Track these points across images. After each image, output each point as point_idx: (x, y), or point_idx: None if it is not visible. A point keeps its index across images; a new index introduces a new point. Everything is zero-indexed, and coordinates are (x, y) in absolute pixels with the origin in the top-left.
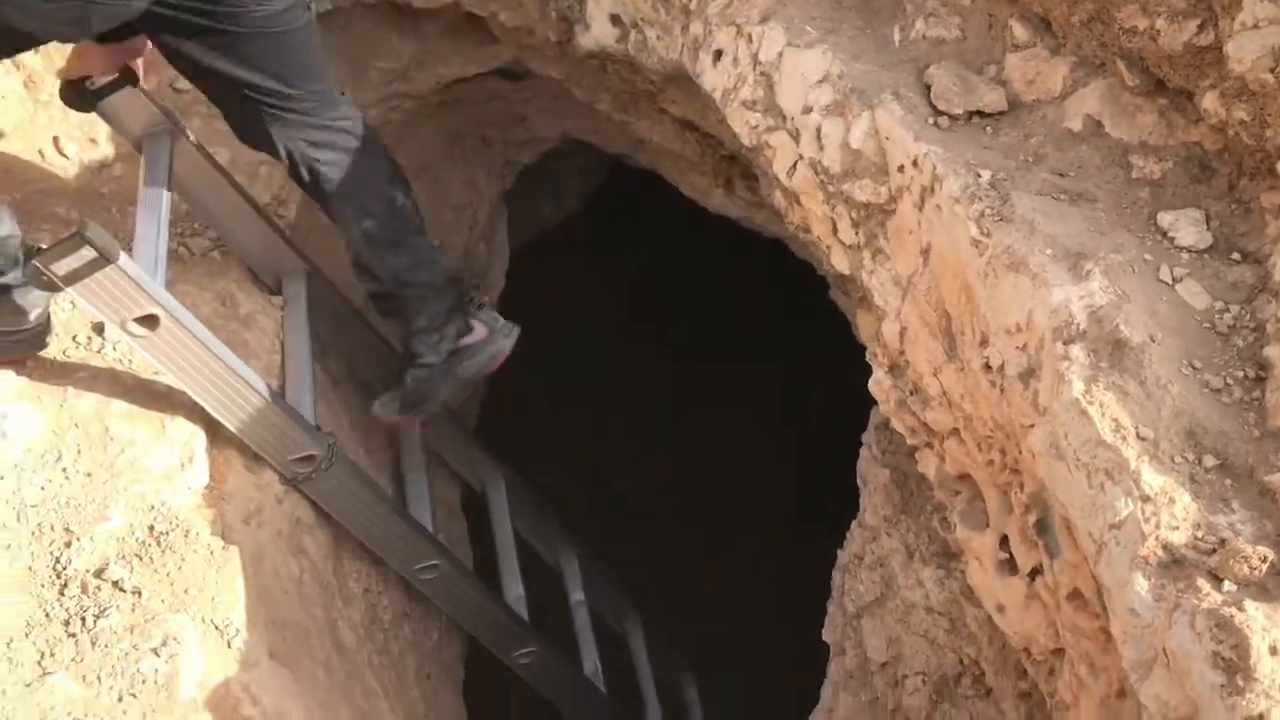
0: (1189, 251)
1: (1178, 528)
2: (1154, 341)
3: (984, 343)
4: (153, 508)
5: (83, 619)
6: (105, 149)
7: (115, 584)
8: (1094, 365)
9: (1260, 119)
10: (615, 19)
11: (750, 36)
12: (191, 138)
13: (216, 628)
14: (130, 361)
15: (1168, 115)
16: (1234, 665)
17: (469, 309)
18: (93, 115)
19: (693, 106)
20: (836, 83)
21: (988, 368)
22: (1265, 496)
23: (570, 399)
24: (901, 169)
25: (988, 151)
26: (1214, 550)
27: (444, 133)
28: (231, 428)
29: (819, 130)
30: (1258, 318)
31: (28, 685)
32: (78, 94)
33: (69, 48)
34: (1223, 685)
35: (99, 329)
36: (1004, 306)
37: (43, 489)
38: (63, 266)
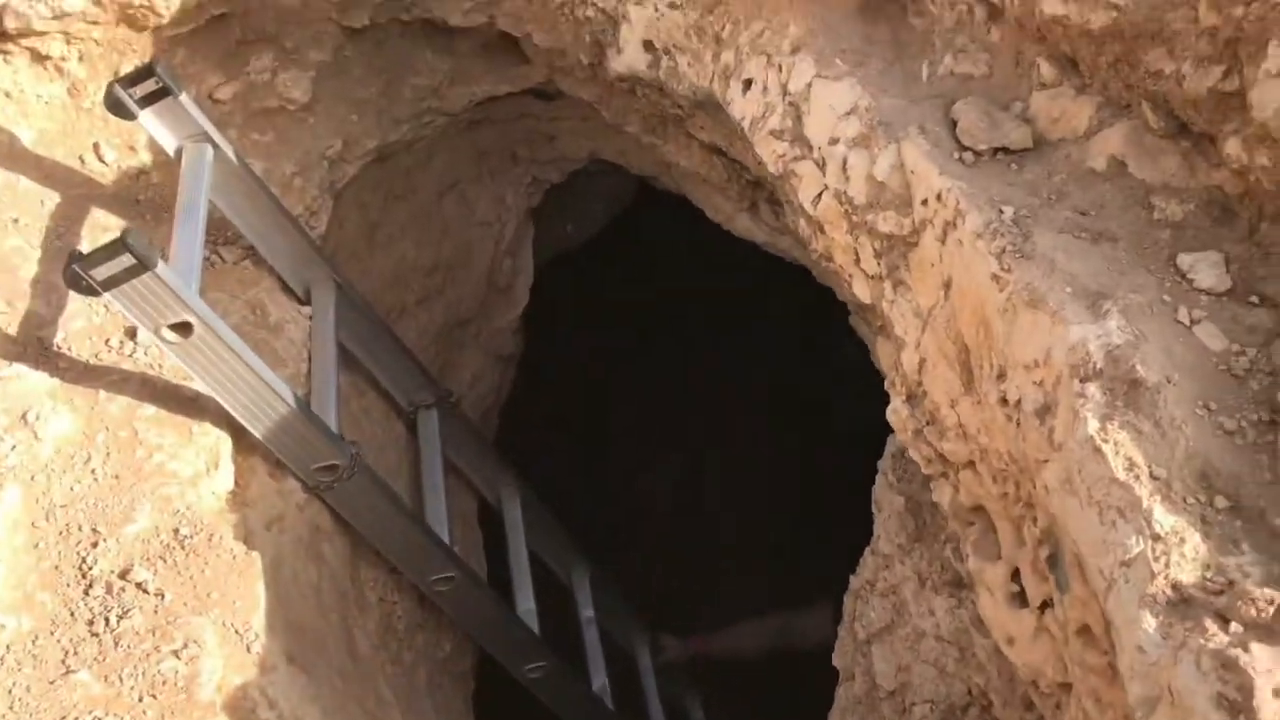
0: (1208, 294)
1: (1187, 568)
2: (1170, 382)
3: (1001, 377)
4: (178, 511)
5: (106, 619)
6: (144, 156)
7: (139, 585)
8: (1110, 404)
9: None
10: (648, 44)
11: (780, 67)
12: (229, 148)
13: (236, 631)
14: (160, 366)
15: (1190, 158)
16: (1238, 706)
17: None
18: (133, 123)
19: (720, 132)
20: (864, 115)
21: (1004, 402)
22: (1276, 539)
23: (590, 412)
24: (925, 202)
25: (1011, 188)
26: (1222, 591)
27: (473, 149)
28: (257, 434)
29: (845, 161)
30: (1274, 362)
31: (51, 683)
32: (121, 101)
33: (110, 55)
34: None
35: (131, 333)
36: (1022, 342)
37: (71, 489)
38: (102, 272)
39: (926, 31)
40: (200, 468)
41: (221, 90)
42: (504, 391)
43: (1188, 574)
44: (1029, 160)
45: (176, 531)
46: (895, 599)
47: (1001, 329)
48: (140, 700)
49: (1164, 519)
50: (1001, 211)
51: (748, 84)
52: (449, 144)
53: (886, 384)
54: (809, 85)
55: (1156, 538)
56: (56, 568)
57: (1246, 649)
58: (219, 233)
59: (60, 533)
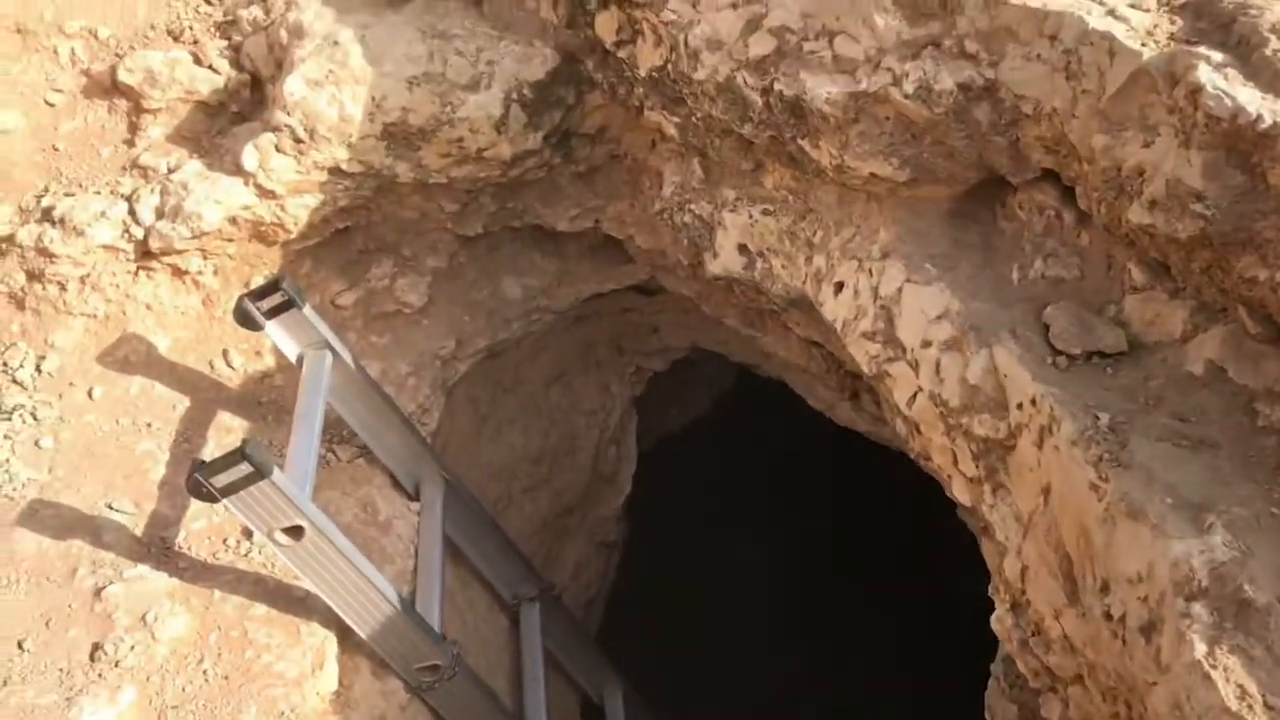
0: None
1: None
2: None
3: (1105, 590)
4: (283, 713)
5: None
6: (268, 360)
7: None
8: (1217, 625)
9: None
10: (742, 248)
11: (870, 271)
12: (346, 354)
13: None
14: (273, 565)
15: None
16: None
17: None
18: (260, 332)
19: (816, 329)
20: (955, 319)
21: (1109, 616)
22: None
23: (694, 598)
24: (1020, 406)
25: (1107, 393)
26: None
27: (579, 342)
28: (363, 635)
29: (938, 364)
30: None
31: None
32: (249, 314)
33: (242, 268)
34: None
35: (248, 533)
36: (1123, 555)
37: (184, 690)
38: (221, 480)
39: (1015, 236)
40: (306, 668)
41: (343, 297)
42: (608, 579)
43: None
44: (1124, 364)
45: None
46: None
47: (1101, 540)
48: None
49: None
50: (1098, 418)
51: (839, 287)
52: (557, 338)
53: (990, 589)
54: (899, 289)
55: None
56: None
57: None
58: (334, 431)
59: None
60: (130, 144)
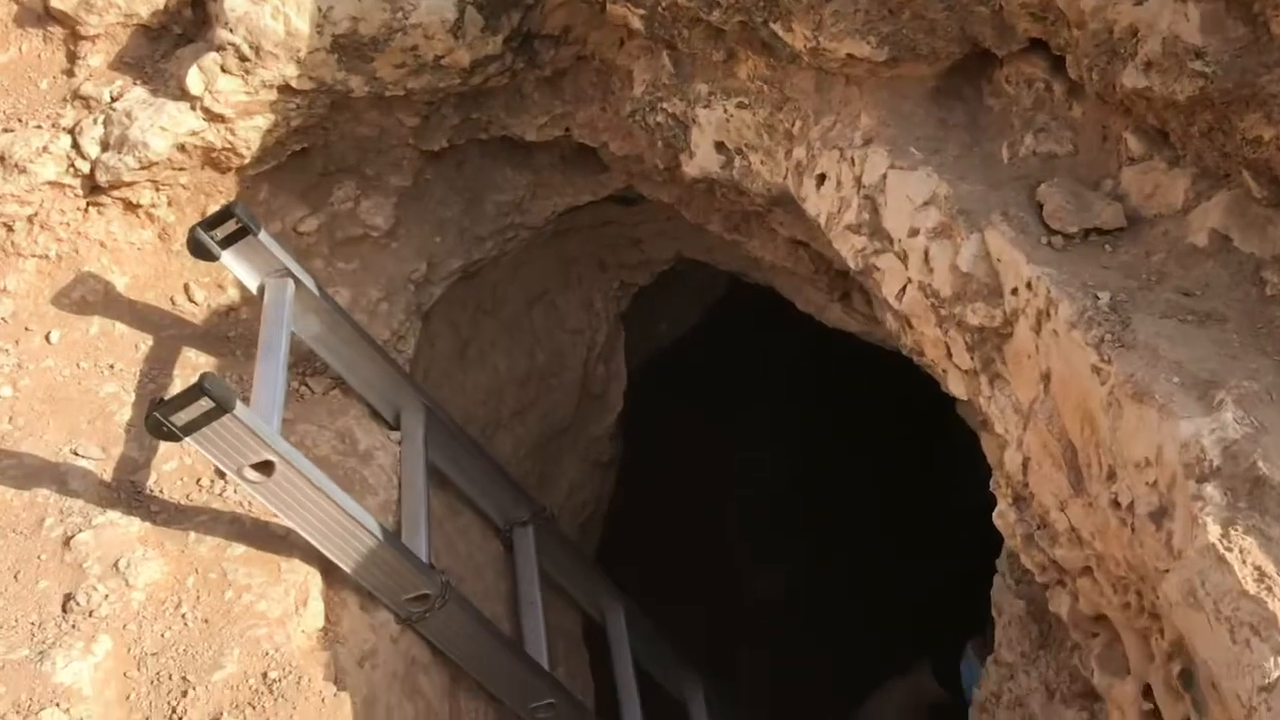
0: None
1: None
2: None
3: (1111, 477)
4: (267, 654)
5: None
6: (232, 294)
7: None
8: (1231, 506)
9: None
10: (720, 146)
11: (853, 160)
12: (311, 282)
13: None
14: (250, 505)
15: None
16: None
17: None
18: (218, 263)
19: (801, 226)
20: (943, 204)
21: (1116, 504)
22: None
23: (695, 510)
24: (1015, 291)
25: (1106, 271)
26: None
27: (560, 259)
28: (346, 569)
29: (927, 253)
30: None
31: None
32: (203, 244)
33: (197, 198)
34: None
35: (220, 473)
36: (1130, 439)
37: (162, 636)
38: (182, 417)
39: (1004, 112)
40: (289, 606)
41: (305, 223)
42: (605, 500)
43: None
44: (1124, 240)
45: (265, 675)
46: (1023, 712)
47: (1107, 425)
48: None
49: None
50: (1097, 297)
51: (821, 179)
52: (535, 256)
53: (992, 484)
54: (884, 177)
55: None
56: (147, 719)
57: None
58: (307, 364)
59: (151, 682)
60: (69, 74)
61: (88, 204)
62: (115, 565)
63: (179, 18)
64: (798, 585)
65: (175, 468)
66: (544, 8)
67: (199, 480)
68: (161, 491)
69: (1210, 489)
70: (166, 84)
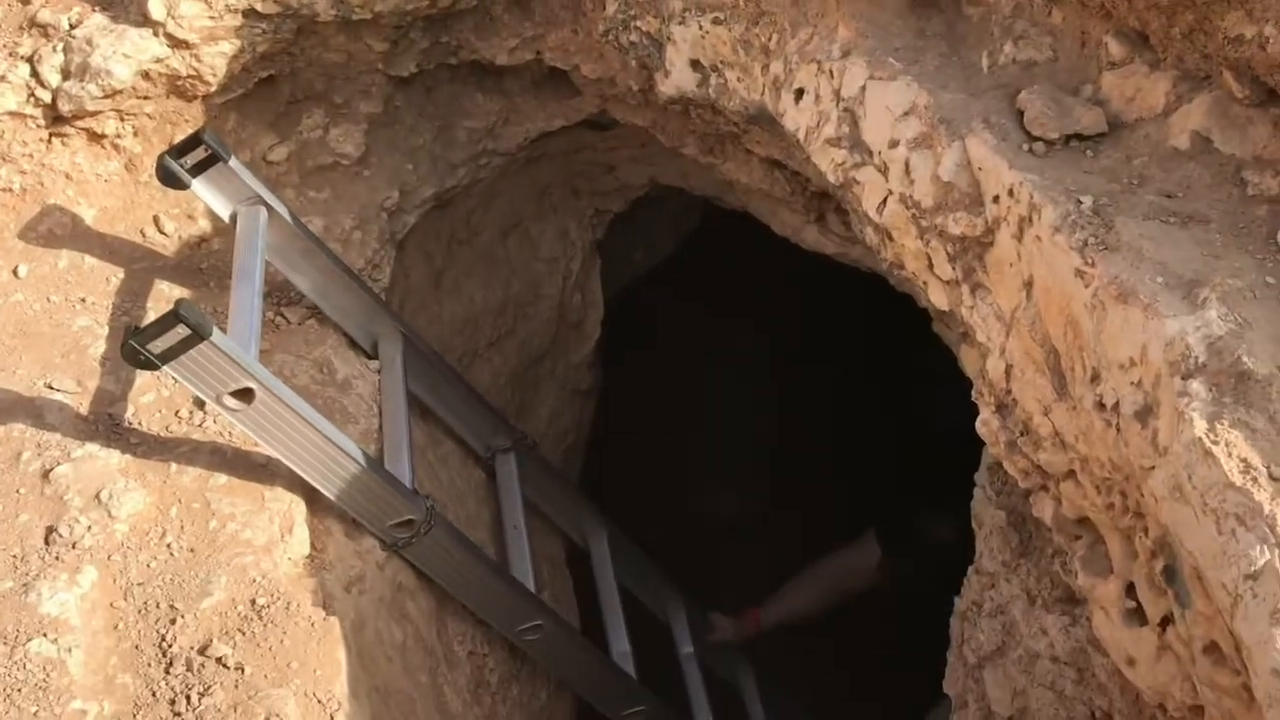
0: None
1: None
2: None
3: (1095, 379)
4: (254, 581)
5: (188, 697)
6: (203, 224)
7: (219, 660)
8: (1217, 400)
9: None
10: (695, 64)
11: (831, 72)
12: (283, 209)
13: (319, 701)
14: (231, 434)
15: None
16: None
17: None
18: (189, 193)
19: (778, 146)
20: (923, 114)
21: (1101, 406)
22: None
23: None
24: (997, 199)
25: (1088, 176)
26: None
27: (533, 186)
28: (330, 496)
29: (907, 164)
30: None
31: None
32: (172, 172)
33: (163, 127)
34: None
35: (200, 403)
36: (1114, 340)
37: (148, 566)
38: (158, 345)
39: (983, 20)
40: (275, 534)
41: (275, 151)
42: (585, 428)
43: None
44: (1105, 145)
45: (253, 602)
46: (1004, 619)
47: (1091, 328)
48: None
49: None
50: (1080, 202)
51: (799, 94)
52: (508, 184)
53: (974, 394)
54: (863, 88)
55: None
56: (136, 647)
57: None
58: (282, 294)
59: (139, 611)
60: (25, 1)
61: (50, 135)
62: (97, 497)
63: None
64: (766, 510)
65: (153, 400)
66: None
67: (178, 412)
68: (140, 424)
69: (1196, 385)
70: (127, 10)
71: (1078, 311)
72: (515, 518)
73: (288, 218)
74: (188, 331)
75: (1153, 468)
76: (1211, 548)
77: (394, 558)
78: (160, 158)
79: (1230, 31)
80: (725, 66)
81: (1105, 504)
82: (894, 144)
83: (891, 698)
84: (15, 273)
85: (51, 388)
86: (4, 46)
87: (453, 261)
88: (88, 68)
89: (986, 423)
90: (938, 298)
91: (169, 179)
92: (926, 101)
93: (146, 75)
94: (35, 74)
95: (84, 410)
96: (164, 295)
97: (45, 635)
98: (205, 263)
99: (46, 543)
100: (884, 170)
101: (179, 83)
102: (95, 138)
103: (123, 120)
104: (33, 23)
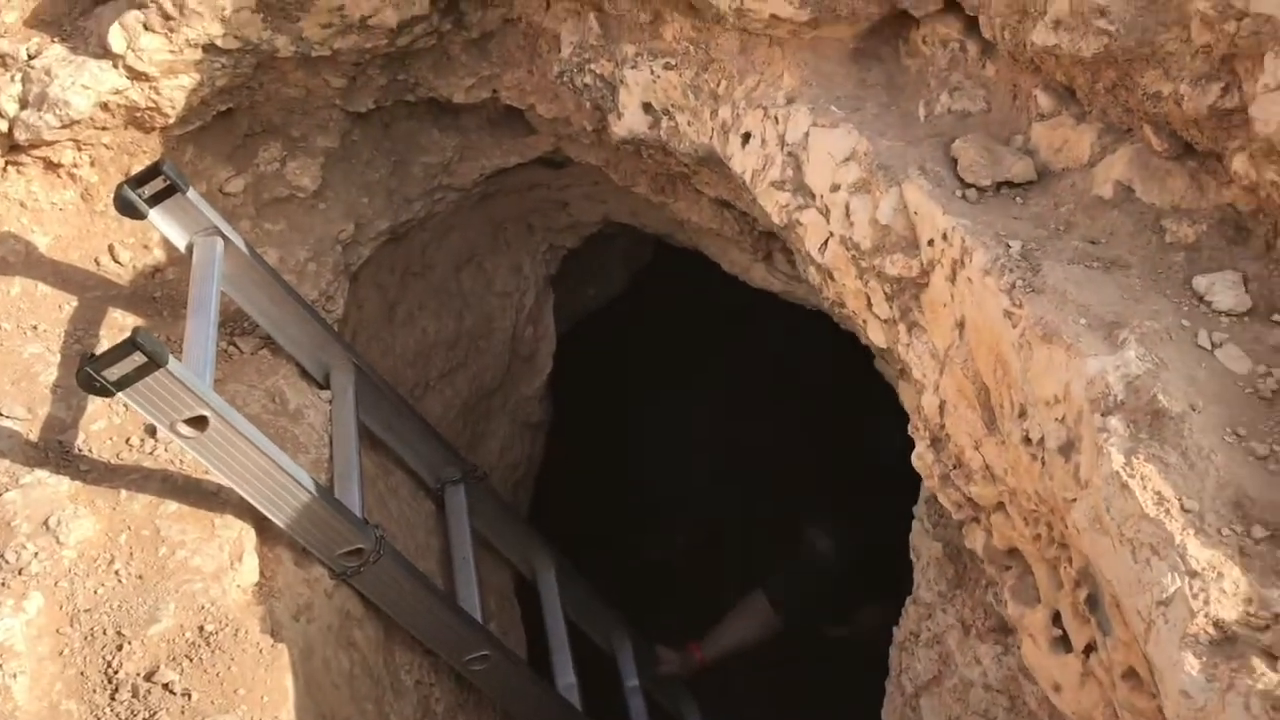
0: (1228, 315)
1: (1228, 604)
2: (1194, 410)
3: (1023, 415)
4: (203, 607)
5: None
6: (158, 254)
7: (165, 686)
8: (1134, 436)
9: None
10: (647, 106)
11: (776, 118)
12: (239, 240)
13: None
14: (182, 462)
15: (1199, 178)
16: None
17: None
18: (146, 222)
19: (726, 187)
20: (863, 160)
21: (1028, 440)
22: None
23: (621, 469)
24: (931, 242)
25: (1017, 222)
26: (1268, 626)
27: (488, 222)
28: (280, 524)
29: (848, 207)
30: None
31: None
32: (130, 201)
33: (120, 158)
34: None
35: (151, 431)
36: (1040, 378)
37: (95, 593)
38: (114, 372)
39: (921, 72)
40: (224, 561)
41: (231, 183)
42: (535, 461)
43: (1229, 610)
44: (1034, 193)
45: (201, 629)
46: (940, 649)
47: (1018, 366)
48: None
49: (1199, 554)
50: (1009, 246)
51: (746, 138)
52: (463, 219)
53: (910, 428)
54: (806, 134)
55: (1193, 574)
56: (82, 674)
57: None
58: (236, 324)
59: (85, 637)
60: None
61: (6, 163)
62: (45, 523)
63: None
64: (719, 537)
65: (104, 427)
66: None
67: (128, 439)
68: (90, 450)
69: (1114, 421)
70: (87, 42)
71: (1006, 350)
72: (464, 549)
73: (243, 249)
74: (144, 359)
75: (1075, 500)
76: (1128, 576)
77: (342, 586)
78: (119, 187)
79: (1149, 88)
80: (676, 110)
81: (1032, 535)
82: (835, 188)
83: None
84: None
85: (1, 414)
86: None
87: (406, 294)
88: (46, 98)
89: (922, 456)
90: (876, 335)
91: (126, 208)
92: (866, 148)
93: (105, 106)
94: None
95: (34, 437)
96: (117, 323)
97: None
98: (159, 291)
99: None
100: (825, 213)
101: (137, 114)
102: (52, 166)
103: (80, 150)
104: None
